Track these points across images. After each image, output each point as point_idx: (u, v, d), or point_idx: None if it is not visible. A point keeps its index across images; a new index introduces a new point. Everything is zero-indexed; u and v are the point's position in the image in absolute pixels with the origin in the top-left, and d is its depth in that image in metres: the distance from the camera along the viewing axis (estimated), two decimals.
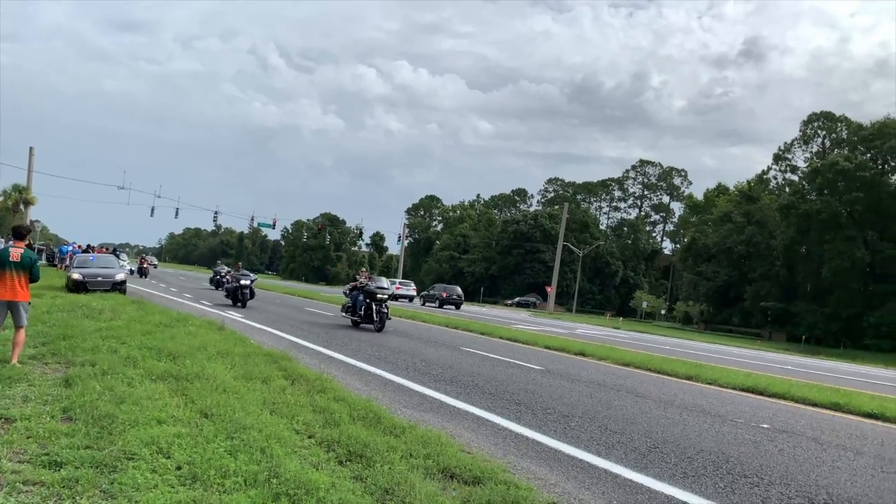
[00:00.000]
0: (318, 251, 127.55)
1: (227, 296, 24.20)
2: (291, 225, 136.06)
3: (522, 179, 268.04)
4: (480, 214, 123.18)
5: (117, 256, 29.78)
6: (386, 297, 18.33)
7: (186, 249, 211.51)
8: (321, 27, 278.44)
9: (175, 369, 7.48)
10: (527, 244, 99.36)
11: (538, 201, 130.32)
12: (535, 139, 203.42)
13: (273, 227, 72.70)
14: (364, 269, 21.90)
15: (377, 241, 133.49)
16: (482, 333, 20.96)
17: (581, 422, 7.49)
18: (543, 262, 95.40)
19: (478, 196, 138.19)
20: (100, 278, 22.09)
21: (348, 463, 4.80)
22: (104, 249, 36.21)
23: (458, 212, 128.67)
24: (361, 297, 18.29)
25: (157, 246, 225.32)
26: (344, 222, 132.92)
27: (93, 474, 4.04)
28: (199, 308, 20.53)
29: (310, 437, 5.37)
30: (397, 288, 52.00)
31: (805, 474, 6.01)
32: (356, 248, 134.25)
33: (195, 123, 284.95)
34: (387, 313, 18.20)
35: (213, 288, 36.07)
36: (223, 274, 33.92)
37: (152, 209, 63.58)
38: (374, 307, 17.78)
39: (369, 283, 18.78)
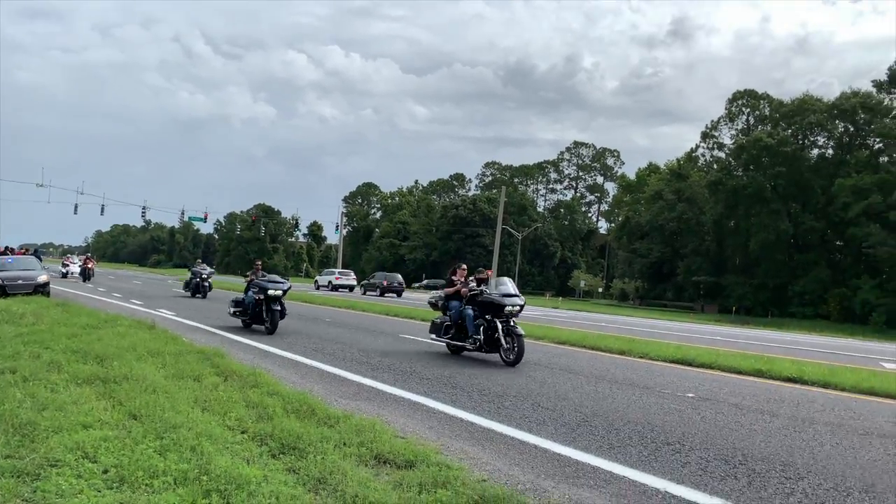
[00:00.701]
0: (253, 244, 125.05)
1: (240, 314, 15.22)
2: (224, 218, 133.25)
3: (460, 164, 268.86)
4: (419, 200, 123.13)
5: (39, 258, 28.58)
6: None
7: (115, 247, 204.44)
8: (248, 13, 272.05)
9: (102, 372, 7.30)
10: (466, 229, 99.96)
11: (476, 185, 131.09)
12: (472, 123, 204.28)
13: (205, 220, 70.92)
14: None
15: (315, 231, 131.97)
16: (423, 320, 21.06)
17: (515, 401, 7.67)
18: (484, 246, 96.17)
19: (416, 182, 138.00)
20: (20, 281, 21.22)
21: (281, 456, 4.81)
22: (25, 251, 34.62)
23: (397, 198, 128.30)
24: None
25: (84, 244, 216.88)
26: (279, 213, 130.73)
27: (13, 484, 3.94)
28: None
29: (242, 433, 5.35)
30: (337, 278, 51.69)
31: (724, 438, 6.34)
32: (293, 239, 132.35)
33: (118, 116, 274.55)
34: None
35: (189, 295, 28.85)
36: (204, 277, 28.40)
37: (75, 207, 61.08)
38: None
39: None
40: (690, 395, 8.87)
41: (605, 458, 5.36)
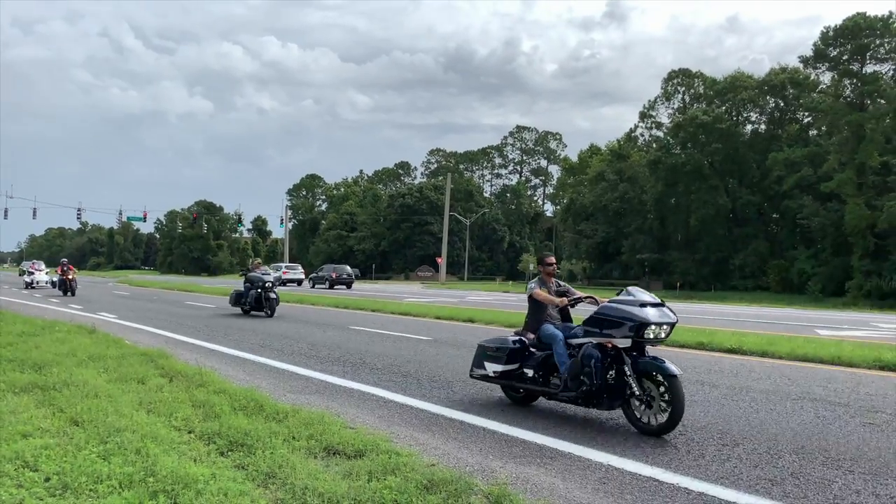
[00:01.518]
0: (196, 241, 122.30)
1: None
2: (164, 216, 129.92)
3: (405, 152, 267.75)
4: (365, 190, 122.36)
5: None
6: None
7: (51, 251, 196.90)
8: (178, 5, 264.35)
9: (41, 379, 7.09)
10: (415, 217, 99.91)
11: (422, 173, 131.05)
12: (415, 110, 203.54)
13: (144, 219, 69.14)
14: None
15: (259, 225, 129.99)
16: (373, 310, 21.06)
17: (464, 386, 7.78)
18: (432, 233, 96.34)
19: (361, 172, 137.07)
20: None
21: (229, 453, 4.79)
22: None
23: (342, 189, 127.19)
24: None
25: (18, 250, 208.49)
26: (221, 209, 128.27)
27: None
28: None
29: (189, 433, 5.29)
30: (284, 272, 51.04)
31: None
32: (237, 235, 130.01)
33: (47, 115, 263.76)
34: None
35: (243, 311, 19.03)
36: (268, 285, 18.62)
37: (5, 211, 58.94)
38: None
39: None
40: None
41: (552, 437, 5.50)
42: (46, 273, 38.86)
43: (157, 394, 6.59)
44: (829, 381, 8.45)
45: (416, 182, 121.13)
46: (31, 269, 39.20)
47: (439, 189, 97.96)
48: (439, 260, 75.08)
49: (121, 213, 70.46)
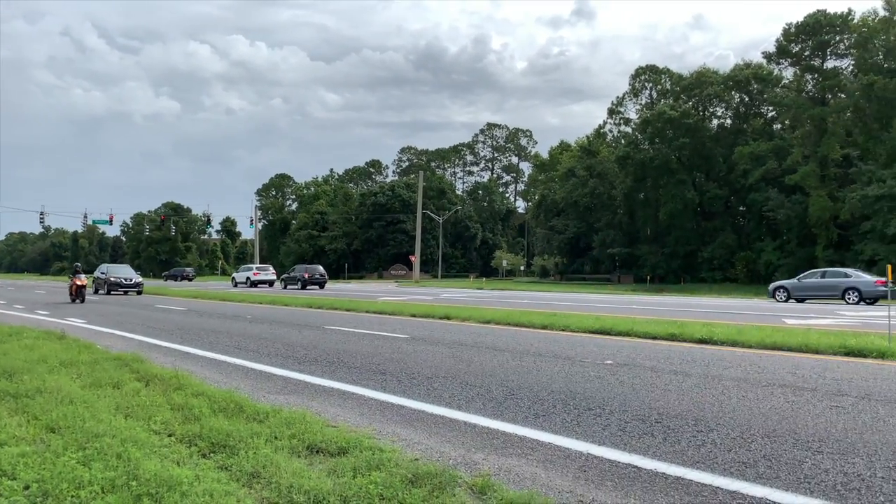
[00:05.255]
0: (164, 244, 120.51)
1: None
2: (131, 219, 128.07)
3: (376, 150, 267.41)
4: (336, 189, 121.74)
5: None
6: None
7: (12, 257, 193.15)
8: (142, 3, 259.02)
9: (12, 387, 6.98)
10: (387, 215, 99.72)
11: (394, 171, 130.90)
12: (386, 108, 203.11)
13: (110, 222, 67.90)
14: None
15: (228, 226, 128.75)
16: (348, 310, 21.02)
17: (444, 381, 7.83)
18: (405, 231, 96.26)
19: (331, 171, 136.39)
20: None
21: (212, 455, 4.78)
22: None
23: (313, 189, 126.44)
24: None
25: None
26: (189, 210, 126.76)
27: None
28: None
29: (169, 436, 5.27)
30: (255, 274, 50.62)
31: (641, 400, 6.69)
32: (206, 237, 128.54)
33: (8, 117, 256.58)
34: None
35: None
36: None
37: None
38: None
39: None
40: (609, 362, 9.28)
41: (532, 428, 5.59)
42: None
43: (134, 398, 6.54)
44: (797, 368, 8.68)
45: (388, 180, 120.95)
46: None
47: (411, 187, 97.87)
48: (412, 258, 75.00)
49: (86, 217, 69.10)
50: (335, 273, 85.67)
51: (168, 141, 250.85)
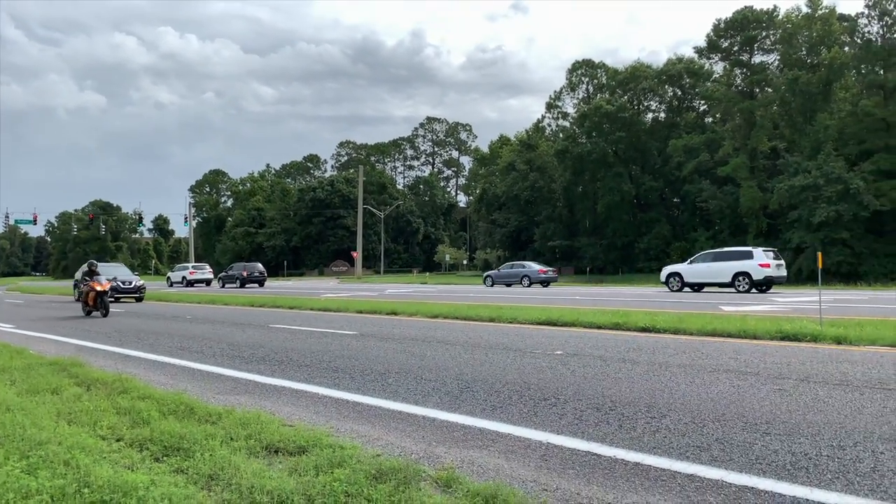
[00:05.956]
0: (92, 243, 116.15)
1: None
2: (56, 218, 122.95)
3: (313, 145, 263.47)
4: (273, 185, 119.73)
5: None
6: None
7: None
8: None
9: None
10: (327, 211, 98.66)
11: (332, 166, 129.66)
12: (323, 102, 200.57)
13: (34, 222, 64.87)
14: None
15: (161, 225, 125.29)
16: (291, 308, 20.70)
17: (398, 377, 7.80)
18: (346, 227, 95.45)
19: (268, 166, 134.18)
20: None
21: (165, 458, 4.63)
22: None
23: (249, 184, 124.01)
24: None
25: None
26: (120, 209, 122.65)
27: None
28: None
29: (118, 441, 5.08)
30: (191, 273, 49.32)
31: (593, 389, 6.82)
32: (138, 236, 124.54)
33: None
34: None
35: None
36: None
37: None
38: None
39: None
40: (559, 352, 9.41)
41: (490, 420, 5.61)
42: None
43: (76, 403, 6.28)
44: (739, 353, 8.99)
45: (327, 175, 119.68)
46: None
47: (351, 182, 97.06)
48: (354, 254, 74.41)
49: (7, 217, 66.34)
50: (274, 271, 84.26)
51: (95, 136, 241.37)
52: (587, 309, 16.30)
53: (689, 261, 29.23)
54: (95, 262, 21.24)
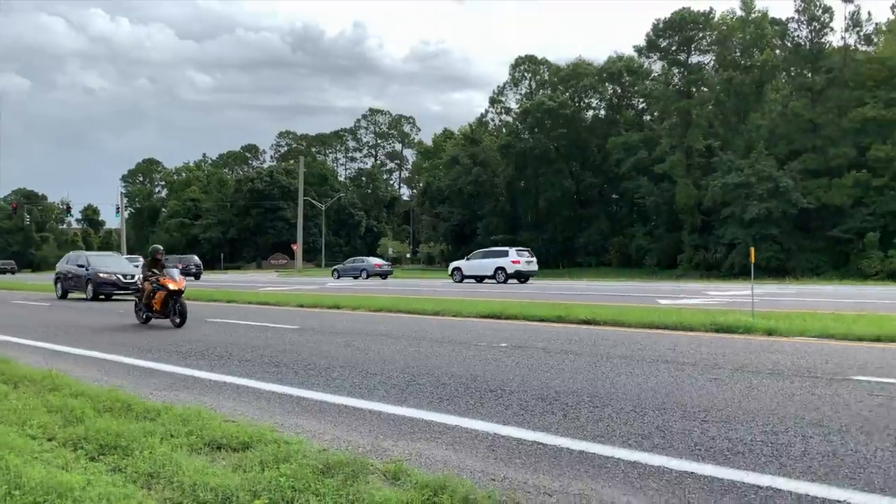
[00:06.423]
0: (16, 234, 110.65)
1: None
2: None
3: (252, 135, 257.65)
4: (209, 175, 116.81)
5: None
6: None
7: None
8: None
9: None
10: (265, 202, 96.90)
11: (272, 157, 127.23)
12: (262, 91, 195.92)
13: None
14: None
15: (90, 215, 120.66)
16: (229, 301, 20.29)
17: (342, 371, 7.73)
18: (286, 219, 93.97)
19: (204, 156, 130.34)
20: None
21: (102, 457, 4.47)
22: None
23: (184, 174, 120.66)
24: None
25: None
26: (45, 198, 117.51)
27: None
28: None
29: (50, 440, 4.87)
30: None
31: (538, 380, 6.91)
32: (65, 227, 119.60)
33: None
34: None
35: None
36: None
37: None
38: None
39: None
40: (504, 345, 9.50)
41: (437, 412, 5.62)
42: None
43: (2, 402, 5.99)
44: (676, 345, 9.26)
45: (266, 166, 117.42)
46: None
47: (291, 173, 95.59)
48: (294, 247, 73.26)
49: None
50: (210, 263, 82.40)
51: (18, 122, 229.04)
52: (529, 301, 16.50)
53: (466, 258, 35.75)
54: (161, 247, 15.35)
